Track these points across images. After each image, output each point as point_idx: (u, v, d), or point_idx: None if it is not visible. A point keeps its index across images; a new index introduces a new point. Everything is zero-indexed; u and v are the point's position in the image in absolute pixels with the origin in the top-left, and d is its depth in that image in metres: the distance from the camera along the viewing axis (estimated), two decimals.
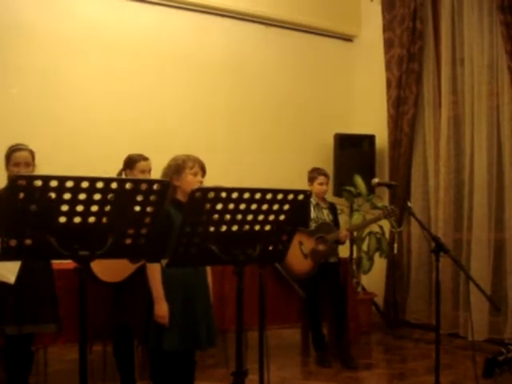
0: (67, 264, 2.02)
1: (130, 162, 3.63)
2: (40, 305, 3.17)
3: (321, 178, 4.66)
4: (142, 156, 3.65)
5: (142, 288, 2.90)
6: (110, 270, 3.42)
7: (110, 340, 3.88)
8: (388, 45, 6.19)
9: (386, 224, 5.67)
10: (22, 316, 3.09)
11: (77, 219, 1.88)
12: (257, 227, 2.19)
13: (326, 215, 4.70)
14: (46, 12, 5.20)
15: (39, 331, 3.23)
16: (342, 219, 5.24)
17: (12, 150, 3.21)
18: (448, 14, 5.67)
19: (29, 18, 5.13)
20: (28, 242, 1.87)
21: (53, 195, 1.81)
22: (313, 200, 4.65)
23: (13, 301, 3.08)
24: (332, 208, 4.81)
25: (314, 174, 4.71)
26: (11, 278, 3.06)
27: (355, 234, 5.70)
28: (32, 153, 3.24)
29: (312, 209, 4.63)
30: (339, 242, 4.68)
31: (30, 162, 3.21)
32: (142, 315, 2.89)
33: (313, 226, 4.60)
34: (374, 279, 6.02)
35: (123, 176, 3.64)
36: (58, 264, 3.19)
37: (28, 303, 3.12)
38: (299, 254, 4.49)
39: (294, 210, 2.23)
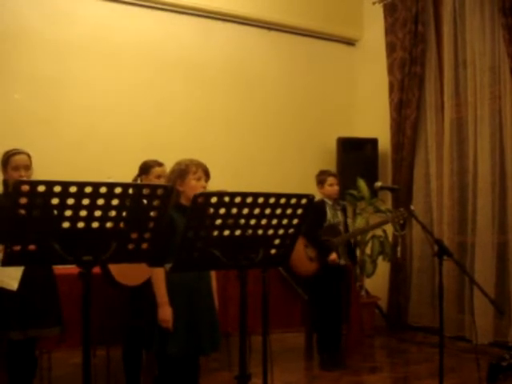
0: (72, 269, 2.02)
1: (146, 168, 3.70)
2: (44, 309, 3.18)
3: (330, 179, 4.66)
4: (157, 162, 3.70)
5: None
6: (128, 273, 3.43)
7: (114, 344, 3.89)
8: (390, 48, 6.20)
9: (389, 227, 5.67)
10: (27, 321, 3.10)
11: (80, 224, 1.89)
12: (260, 231, 2.19)
13: (340, 216, 4.71)
14: (48, 18, 5.22)
15: (44, 335, 3.24)
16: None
17: (10, 155, 3.18)
18: (450, 17, 5.68)
19: (32, 24, 5.15)
20: (32, 247, 1.87)
21: (56, 200, 1.82)
22: (328, 201, 4.66)
23: (17, 306, 3.09)
24: (344, 210, 4.84)
25: (323, 176, 4.70)
26: (14, 284, 3.07)
27: (359, 238, 5.71)
28: (29, 156, 3.23)
29: (328, 209, 4.65)
30: (350, 245, 4.79)
31: (29, 165, 3.20)
32: (146, 319, 2.90)
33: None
34: (377, 283, 6.01)
35: (139, 182, 3.68)
36: (63, 269, 3.20)
37: (32, 308, 3.13)
38: (304, 257, 4.50)
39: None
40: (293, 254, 4.38)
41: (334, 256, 4.51)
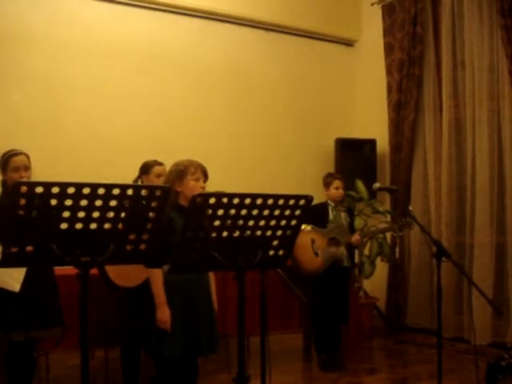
0: (70, 269, 2.02)
1: (146, 168, 3.73)
2: (46, 310, 3.18)
3: (336, 183, 4.71)
4: (157, 161, 3.73)
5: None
6: (126, 274, 3.43)
7: (112, 345, 3.89)
8: (388, 49, 6.20)
9: None
10: (29, 322, 3.10)
11: (78, 225, 1.89)
12: (258, 233, 2.19)
13: (343, 218, 4.74)
14: (47, 18, 5.22)
15: (46, 336, 3.24)
16: None
17: (8, 156, 3.17)
18: (448, 18, 5.69)
19: (31, 25, 5.14)
20: (29, 248, 1.87)
21: (54, 201, 1.82)
22: (331, 203, 4.70)
23: (19, 308, 3.09)
24: (349, 211, 4.86)
25: (329, 178, 4.76)
26: (16, 286, 3.06)
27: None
28: (28, 156, 3.23)
29: (330, 211, 4.69)
30: (351, 245, 4.71)
31: (29, 166, 3.20)
32: (145, 320, 2.89)
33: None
34: (375, 284, 6.01)
35: (139, 182, 3.68)
36: (61, 270, 3.20)
37: (34, 309, 3.12)
38: (310, 252, 4.52)
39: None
40: (299, 251, 4.42)
41: (356, 237, 4.59)
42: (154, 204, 1.98)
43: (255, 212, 2.14)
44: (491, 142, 5.29)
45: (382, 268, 5.92)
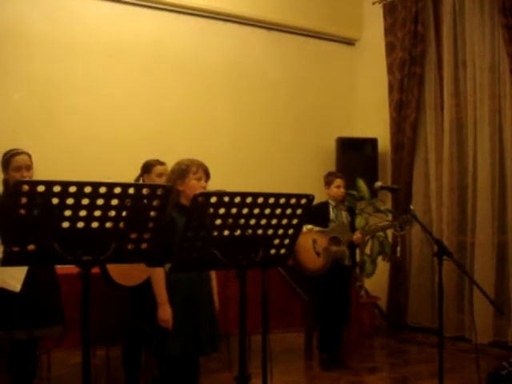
0: (71, 269, 2.03)
1: (147, 167, 3.75)
2: (47, 308, 3.18)
3: (338, 181, 4.71)
4: (159, 161, 3.75)
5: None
6: (127, 273, 3.43)
7: (114, 344, 3.89)
8: (390, 48, 6.20)
9: None
10: (31, 321, 3.10)
11: (80, 224, 1.89)
12: (259, 231, 2.19)
13: (344, 217, 4.73)
14: (48, 18, 5.21)
15: (47, 334, 3.24)
16: None
17: (10, 155, 3.16)
18: (449, 17, 5.68)
19: (31, 24, 5.14)
20: (31, 247, 1.87)
21: (56, 200, 1.82)
22: (332, 202, 4.70)
23: (20, 307, 3.09)
24: (350, 210, 4.86)
25: (331, 177, 4.76)
26: (17, 285, 3.07)
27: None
28: (30, 156, 3.22)
29: (331, 210, 4.68)
30: (353, 243, 4.70)
31: (31, 165, 3.19)
32: (146, 319, 2.90)
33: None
34: (377, 283, 6.01)
35: (141, 181, 3.69)
36: (62, 269, 3.20)
37: (35, 308, 3.13)
38: (312, 252, 4.52)
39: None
40: (300, 250, 4.42)
41: (358, 235, 4.59)
42: (155, 203, 1.98)
43: (256, 211, 2.14)
44: (492, 141, 5.29)
45: (383, 267, 5.92)
